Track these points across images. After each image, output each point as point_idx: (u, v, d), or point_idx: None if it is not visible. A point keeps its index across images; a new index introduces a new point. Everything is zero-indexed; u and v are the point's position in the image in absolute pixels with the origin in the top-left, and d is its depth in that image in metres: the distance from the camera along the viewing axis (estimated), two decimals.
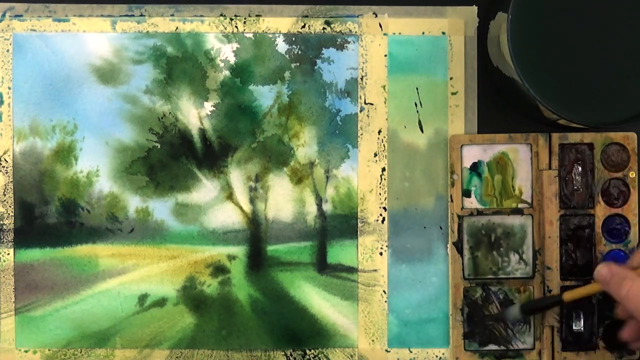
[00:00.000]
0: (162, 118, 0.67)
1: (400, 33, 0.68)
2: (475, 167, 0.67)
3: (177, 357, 0.67)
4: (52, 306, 0.67)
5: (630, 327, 0.62)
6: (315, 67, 0.68)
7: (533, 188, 0.67)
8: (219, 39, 0.68)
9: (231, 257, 0.68)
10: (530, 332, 0.67)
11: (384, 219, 0.68)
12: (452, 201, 0.67)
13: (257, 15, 0.68)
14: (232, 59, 0.68)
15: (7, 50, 0.67)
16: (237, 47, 0.68)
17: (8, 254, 0.67)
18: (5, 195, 0.67)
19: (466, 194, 0.67)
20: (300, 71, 0.68)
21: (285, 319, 0.68)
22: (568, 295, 0.63)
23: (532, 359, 0.67)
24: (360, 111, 0.68)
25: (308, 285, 0.68)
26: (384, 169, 0.68)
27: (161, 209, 0.68)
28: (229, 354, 0.67)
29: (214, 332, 0.67)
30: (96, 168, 0.67)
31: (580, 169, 0.66)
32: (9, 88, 0.67)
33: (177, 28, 0.67)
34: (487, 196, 0.67)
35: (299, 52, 0.68)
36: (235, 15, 0.68)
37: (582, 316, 0.66)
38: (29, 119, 0.67)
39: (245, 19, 0.68)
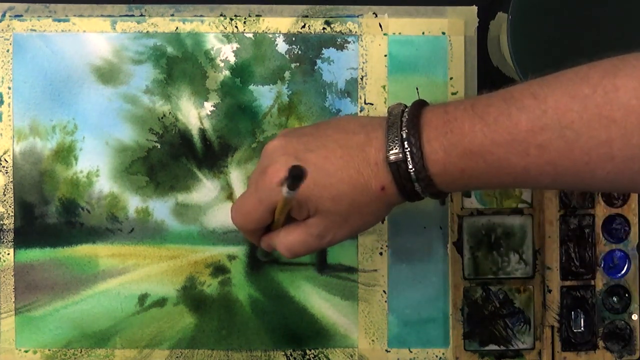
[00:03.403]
0: (162, 118, 0.67)
1: (400, 33, 0.68)
2: None
3: (177, 357, 0.67)
4: (52, 306, 0.67)
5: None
6: (315, 67, 0.68)
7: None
8: (219, 39, 0.68)
9: (231, 257, 0.68)
10: (530, 332, 0.67)
11: (383, 219, 0.68)
12: (452, 201, 0.67)
13: (257, 15, 0.68)
14: (232, 59, 0.68)
15: (7, 50, 0.67)
16: (237, 47, 0.68)
17: (8, 254, 0.67)
18: (5, 195, 0.67)
19: (466, 194, 0.67)
20: (300, 71, 0.68)
21: (285, 319, 0.68)
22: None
23: (532, 359, 0.67)
24: (360, 111, 0.68)
25: (308, 285, 0.68)
26: None
27: (161, 209, 0.68)
28: (229, 354, 0.67)
29: (214, 332, 0.67)
30: (96, 168, 0.67)
31: None
32: (9, 88, 0.67)
33: (177, 28, 0.67)
34: (487, 196, 0.67)
35: (299, 52, 0.68)
36: (235, 15, 0.68)
37: (582, 316, 0.66)
38: (29, 119, 0.67)
39: (245, 19, 0.68)
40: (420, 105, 0.53)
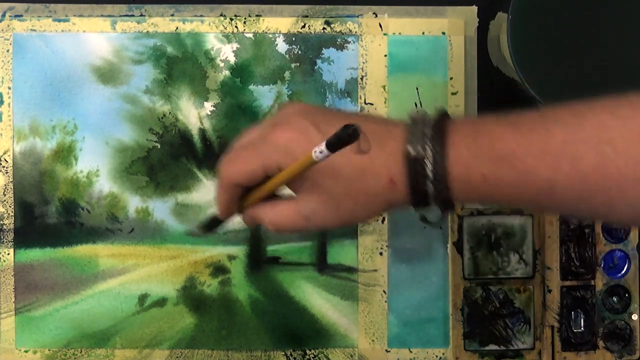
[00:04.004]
0: (162, 118, 0.68)
1: (400, 33, 0.68)
2: None
3: (177, 357, 0.67)
4: (52, 306, 0.67)
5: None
6: (315, 67, 0.68)
7: None
8: (219, 39, 0.68)
9: (231, 257, 0.68)
10: (530, 332, 0.67)
11: (384, 219, 0.68)
12: None
13: (257, 15, 0.68)
14: (232, 59, 0.68)
15: (7, 50, 0.67)
16: (237, 47, 0.68)
17: (8, 254, 0.67)
18: (5, 195, 0.67)
19: None
20: (300, 71, 0.68)
21: (285, 319, 0.68)
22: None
23: (532, 359, 0.67)
24: (360, 111, 0.68)
25: (308, 285, 0.68)
26: None
27: (161, 209, 0.68)
28: (229, 354, 0.67)
29: (214, 332, 0.67)
30: (96, 168, 0.67)
31: None
32: (9, 88, 0.67)
33: (177, 28, 0.67)
34: None
35: (299, 52, 0.68)
36: (235, 15, 0.68)
37: (582, 316, 0.66)
38: (29, 119, 0.67)
39: (245, 19, 0.68)
40: (445, 113, 0.51)
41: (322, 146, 0.44)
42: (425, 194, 0.49)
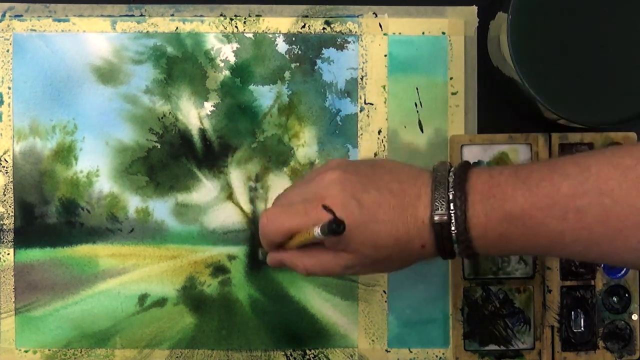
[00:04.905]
0: (162, 118, 0.67)
1: (400, 33, 0.68)
2: None
3: (177, 357, 0.67)
4: (52, 306, 0.67)
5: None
6: (315, 67, 0.68)
7: None
8: (219, 39, 0.68)
9: (231, 257, 0.68)
10: (530, 332, 0.67)
11: None
12: None
13: (257, 15, 0.68)
14: (232, 59, 0.68)
15: (7, 50, 0.67)
16: (237, 47, 0.68)
17: (8, 254, 0.67)
18: (5, 195, 0.67)
19: None
20: (300, 71, 0.68)
21: (285, 319, 0.68)
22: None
23: (532, 359, 0.67)
24: (360, 111, 0.68)
25: (308, 285, 0.68)
26: None
27: (161, 209, 0.68)
28: (229, 354, 0.67)
29: (214, 332, 0.67)
30: (96, 168, 0.67)
31: None
32: (9, 88, 0.67)
33: (177, 28, 0.67)
34: None
35: (299, 52, 0.68)
36: (235, 15, 0.68)
37: (582, 316, 0.66)
38: (29, 119, 0.67)
39: (245, 19, 0.68)
40: (466, 167, 0.55)
41: (319, 229, 0.51)
42: (452, 251, 0.54)
